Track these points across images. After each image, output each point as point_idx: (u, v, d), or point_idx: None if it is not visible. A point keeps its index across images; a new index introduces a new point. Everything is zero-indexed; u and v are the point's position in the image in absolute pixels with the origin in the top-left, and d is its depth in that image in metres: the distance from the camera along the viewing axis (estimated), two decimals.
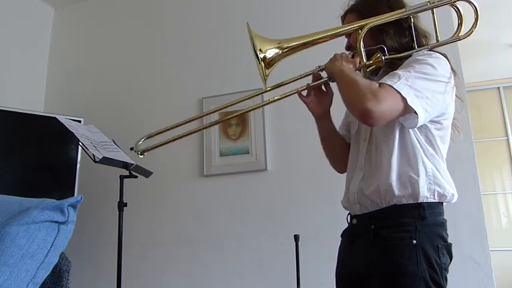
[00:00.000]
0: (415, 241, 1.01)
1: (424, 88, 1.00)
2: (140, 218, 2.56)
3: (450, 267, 1.91)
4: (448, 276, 1.92)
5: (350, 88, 1.02)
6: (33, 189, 2.43)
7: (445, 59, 1.10)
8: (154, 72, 2.83)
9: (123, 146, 2.34)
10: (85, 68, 3.08)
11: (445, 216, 1.13)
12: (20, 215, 0.78)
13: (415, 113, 0.98)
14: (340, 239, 1.26)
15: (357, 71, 1.12)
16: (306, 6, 2.54)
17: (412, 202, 1.04)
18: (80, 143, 2.00)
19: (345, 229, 1.25)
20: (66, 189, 2.51)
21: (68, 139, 2.51)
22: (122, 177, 2.18)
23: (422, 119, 1.00)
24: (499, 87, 4.67)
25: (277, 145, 2.42)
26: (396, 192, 1.05)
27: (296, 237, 1.89)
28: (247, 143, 2.42)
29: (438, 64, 1.05)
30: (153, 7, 2.98)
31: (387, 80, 1.00)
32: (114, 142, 2.27)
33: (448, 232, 1.12)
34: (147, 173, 2.27)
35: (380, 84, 1.00)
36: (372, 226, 1.07)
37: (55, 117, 2.06)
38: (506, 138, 4.56)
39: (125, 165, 2.14)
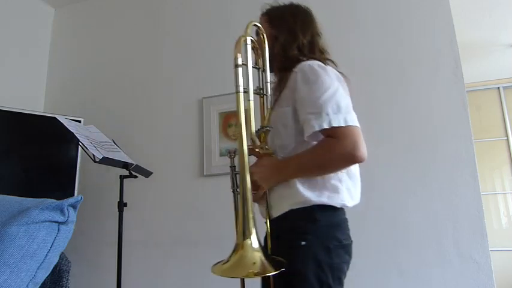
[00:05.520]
0: (303, 242, 1.04)
1: (341, 104, 1.06)
2: (140, 218, 2.55)
3: (450, 267, 1.92)
4: (448, 276, 1.93)
5: (320, 166, 1.08)
6: (33, 189, 2.43)
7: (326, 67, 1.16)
8: (155, 72, 2.83)
9: (123, 146, 2.34)
10: (85, 68, 3.08)
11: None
12: (20, 215, 0.78)
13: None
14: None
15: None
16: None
17: (305, 206, 1.08)
18: (80, 143, 2.00)
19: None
20: (66, 189, 2.51)
21: (68, 139, 2.51)
22: (122, 177, 2.18)
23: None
24: (499, 87, 4.67)
25: None
26: (292, 197, 1.09)
27: None
28: None
29: (328, 73, 1.12)
30: (153, 7, 2.98)
31: (316, 125, 1.03)
32: (114, 142, 2.27)
33: (347, 232, 1.15)
34: (147, 173, 2.27)
35: (323, 132, 1.05)
36: (277, 230, 1.11)
37: (55, 117, 2.06)
38: (506, 138, 4.56)
39: (125, 165, 2.14)
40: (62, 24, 3.27)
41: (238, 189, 1.12)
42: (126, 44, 2.99)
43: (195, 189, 2.52)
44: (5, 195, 0.90)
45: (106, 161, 1.98)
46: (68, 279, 1.03)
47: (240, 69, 1.08)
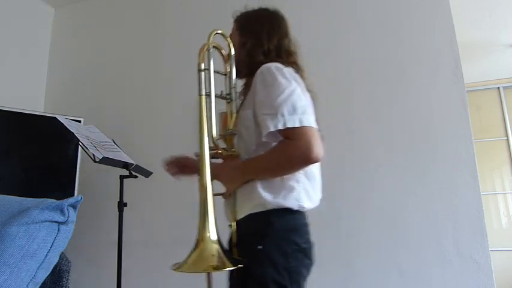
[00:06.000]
0: (260, 246, 1.06)
1: (297, 105, 1.07)
2: (140, 218, 2.55)
3: (450, 267, 1.93)
4: (448, 276, 1.93)
5: (278, 167, 1.09)
6: (33, 189, 2.43)
7: (284, 67, 1.16)
8: (155, 72, 2.83)
9: (123, 146, 2.34)
10: (85, 68, 3.08)
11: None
12: (20, 215, 0.78)
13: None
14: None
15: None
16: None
17: (262, 210, 1.10)
18: (80, 143, 2.00)
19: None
20: (66, 189, 2.51)
21: (68, 139, 2.51)
22: (121, 177, 2.18)
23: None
24: (499, 87, 4.67)
25: None
26: (250, 201, 1.12)
27: None
28: None
29: (284, 75, 1.12)
30: (153, 7, 2.98)
31: (271, 125, 1.05)
32: (114, 142, 2.27)
33: (306, 236, 1.15)
34: (147, 173, 2.27)
35: (279, 133, 1.06)
36: (237, 233, 1.15)
37: (55, 117, 2.06)
38: (506, 138, 4.56)
39: (125, 165, 2.14)
40: (62, 24, 3.27)
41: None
42: (126, 44, 2.99)
43: (195, 189, 2.51)
44: (5, 195, 0.90)
45: (106, 161, 1.98)
46: (68, 279, 1.04)
47: (203, 74, 1.14)
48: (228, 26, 2.93)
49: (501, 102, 4.65)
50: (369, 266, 2.05)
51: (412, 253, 2.00)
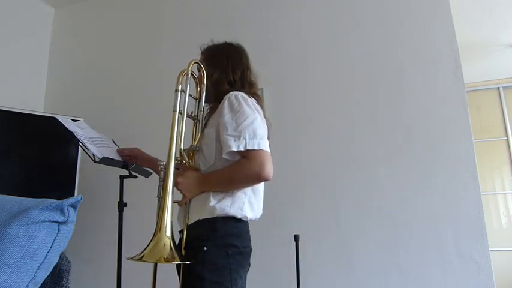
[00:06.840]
0: (205, 248, 1.21)
1: (257, 131, 1.26)
2: (140, 218, 2.55)
3: (450, 267, 1.93)
4: (448, 276, 1.93)
5: (233, 182, 1.27)
6: (33, 189, 2.43)
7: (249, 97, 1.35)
8: (155, 72, 2.83)
9: (123, 146, 2.34)
10: (85, 68, 3.08)
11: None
12: (20, 215, 0.78)
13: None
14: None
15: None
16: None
17: (210, 217, 1.25)
18: (79, 143, 1.99)
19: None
20: (66, 189, 2.51)
21: (68, 139, 2.51)
22: (121, 177, 2.18)
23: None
24: (499, 87, 4.67)
25: (277, 145, 2.42)
26: (200, 208, 1.27)
27: (296, 237, 1.89)
28: None
29: (249, 105, 1.31)
30: (153, 7, 2.98)
31: (234, 145, 1.22)
32: (114, 142, 2.26)
33: (246, 241, 1.31)
34: (147, 173, 2.27)
35: (239, 152, 1.24)
36: (186, 238, 1.28)
37: (55, 117, 2.06)
38: (506, 138, 4.56)
39: (125, 165, 2.14)
40: (62, 24, 3.27)
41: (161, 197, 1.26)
42: (126, 44, 2.99)
43: None
44: (5, 195, 0.90)
45: (106, 161, 1.98)
46: (68, 279, 1.04)
47: (179, 94, 1.32)
48: (227, 27, 2.94)
49: (501, 102, 4.65)
50: (368, 266, 2.05)
51: (412, 253, 2.00)
